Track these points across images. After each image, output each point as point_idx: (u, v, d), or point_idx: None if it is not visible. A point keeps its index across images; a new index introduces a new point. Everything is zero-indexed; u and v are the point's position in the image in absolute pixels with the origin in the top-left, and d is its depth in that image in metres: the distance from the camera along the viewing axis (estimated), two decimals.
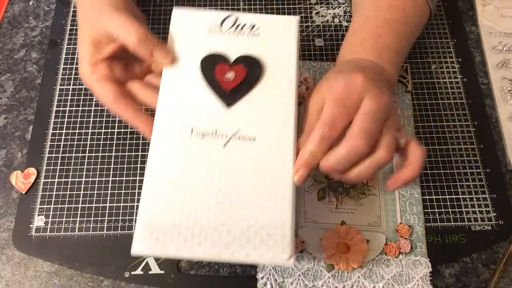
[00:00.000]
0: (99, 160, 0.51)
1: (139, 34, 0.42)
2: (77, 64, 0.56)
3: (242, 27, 0.44)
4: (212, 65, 0.42)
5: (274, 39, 0.44)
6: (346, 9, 0.61)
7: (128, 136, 0.52)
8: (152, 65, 0.45)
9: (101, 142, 0.52)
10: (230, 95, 0.41)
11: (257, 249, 0.36)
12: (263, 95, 0.41)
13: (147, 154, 0.43)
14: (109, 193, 0.50)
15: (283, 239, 0.36)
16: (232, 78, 0.42)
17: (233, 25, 0.44)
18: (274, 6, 0.61)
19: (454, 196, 0.50)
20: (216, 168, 0.39)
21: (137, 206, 0.49)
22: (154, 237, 0.36)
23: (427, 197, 0.50)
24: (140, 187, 0.50)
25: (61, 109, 0.54)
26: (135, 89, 0.45)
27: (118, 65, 0.45)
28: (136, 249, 0.36)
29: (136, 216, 0.47)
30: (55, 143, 0.52)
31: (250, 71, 0.42)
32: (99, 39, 0.43)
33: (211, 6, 0.61)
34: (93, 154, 0.51)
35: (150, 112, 0.42)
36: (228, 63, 0.42)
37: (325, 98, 0.41)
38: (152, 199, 0.38)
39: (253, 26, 0.44)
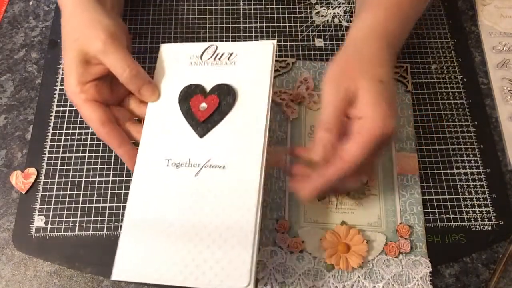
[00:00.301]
0: (99, 160, 0.51)
1: (132, 72, 0.44)
2: None
3: (220, 57, 0.46)
4: (188, 97, 0.45)
5: (249, 66, 0.45)
6: (346, 9, 0.61)
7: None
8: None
9: (101, 142, 0.52)
10: (203, 125, 0.43)
11: (218, 275, 0.38)
12: (234, 123, 0.43)
13: None
14: (109, 193, 0.50)
15: (243, 266, 0.38)
16: (205, 109, 0.44)
17: (212, 55, 0.47)
18: (274, 6, 0.61)
19: (454, 196, 0.50)
20: (188, 198, 0.41)
21: None
22: (131, 265, 0.40)
23: (427, 197, 0.50)
24: None
25: (61, 109, 0.54)
26: (122, 116, 0.46)
27: (104, 85, 0.46)
28: (115, 275, 0.40)
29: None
30: (55, 143, 0.52)
31: (223, 100, 0.44)
32: (88, 59, 0.44)
33: (211, 6, 0.61)
34: (93, 154, 0.51)
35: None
36: (203, 94, 0.45)
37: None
38: (131, 230, 0.41)
39: (231, 54, 0.46)
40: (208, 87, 0.45)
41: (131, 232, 0.41)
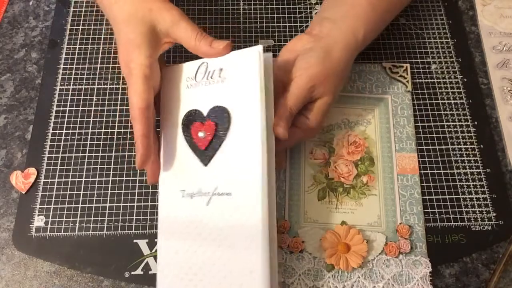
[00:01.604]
0: (99, 160, 0.51)
1: (202, 33, 0.44)
2: (77, 64, 0.56)
3: (212, 75, 0.45)
4: (189, 125, 0.44)
5: (238, 81, 0.43)
6: None
7: (128, 136, 0.52)
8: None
9: (101, 142, 0.52)
10: (206, 154, 0.43)
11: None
12: (232, 147, 0.42)
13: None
14: (109, 193, 0.50)
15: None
16: (204, 136, 0.43)
17: (204, 74, 0.45)
18: (274, 6, 0.61)
19: (454, 196, 0.50)
20: (203, 226, 0.42)
21: (137, 206, 0.49)
22: None
23: (427, 197, 0.50)
24: (140, 187, 0.50)
25: (61, 109, 0.54)
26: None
27: (158, 75, 0.45)
28: None
29: (135, 216, 0.49)
30: (55, 143, 0.52)
31: (219, 124, 0.43)
32: (158, 33, 0.44)
33: (211, 6, 0.61)
34: (93, 154, 0.51)
35: None
36: (202, 119, 0.44)
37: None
38: (164, 266, 0.43)
39: (221, 70, 0.44)
40: (204, 111, 0.44)
41: (164, 267, 0.42)
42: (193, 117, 0.44)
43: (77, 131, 0.53)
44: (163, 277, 0.42)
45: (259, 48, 0.43)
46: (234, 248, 0.40)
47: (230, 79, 0.44)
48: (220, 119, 0.43)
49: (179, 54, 0.57)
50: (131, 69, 0.43)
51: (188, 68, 0.46)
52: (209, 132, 0.43)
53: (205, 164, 0.43)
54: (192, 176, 0.43)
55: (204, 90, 0.45)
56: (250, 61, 0.43)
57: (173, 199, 0.44)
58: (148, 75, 0.42)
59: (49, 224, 0.48)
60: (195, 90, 0.45)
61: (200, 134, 0.43)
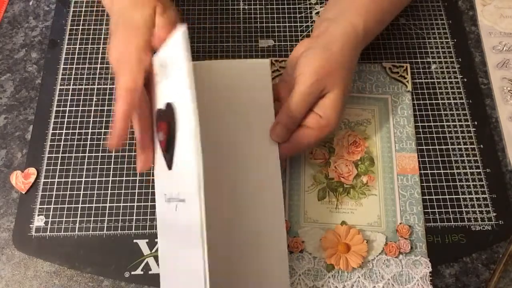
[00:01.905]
0: (99, 160, 0.51)
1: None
2: (77, 64, 0.56)
3: (165, 71, 0.40)
4: (156, 124, 0.43)
5: (174, 71, 0.39)
6: None
7: (128, 136, 0.52)
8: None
9: (101, 142, 0.52)
10: (167, 156, 0.40)
11: None
12: (179, 147, 0.38)
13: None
14: (109, 193, 0.50)
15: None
16: (162, 138, 0.41)
17: (159, 69, 0.41)
18: (274, 6, 0.61)
19: (454, 196, 0.50)
20: (177, 230, 0.40)
21: (137, 206, 0.49)
22: None
23: (427, 197, 0.50)
24: (140, 187, 0.50)
25: (61, 109, 0.54)
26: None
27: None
28: None
29: (135, 216, 0.49)
30: (55, 143, 0.52)
31: (171, 123, 0.39)
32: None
33: (211, 6, 0.61)
34: (93, 154, 0.51)
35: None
36: (160, 119, 0.41)
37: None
38: (165, 266, 0.43)
39: (165, 65, 0.40)
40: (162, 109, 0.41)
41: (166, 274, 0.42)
42: (157, 117, 0.42)
43: (77, 131, 0.53)
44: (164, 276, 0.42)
45: (182, 28, 0.36)
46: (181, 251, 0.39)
47: (170, 72, 0.39)
48: (170, 117, 0.38)
49: None
50: (127, 52, 0.41)
51: (154, 62, 0.42)
52: (164, 133, 0.39)
53: (169, 168, 0.39)
54: (165, 180, 0.41)
55: (160, 87, 0.41)
56: (176, 46, 0.37)
57: (161, 205, 0.44)
58: (143, 59, 0.41)
59: (49, 224, 0.48)
60: (158, 86, 0.42)
61: (160, 135, 0.40)
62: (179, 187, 0.38)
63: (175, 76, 0.37)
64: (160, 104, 0.41)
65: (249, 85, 0.43)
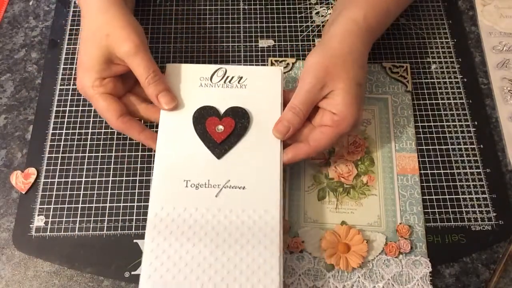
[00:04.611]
0: (99, 160, 0.51)
1: (155, 77, 0.45)
2: (77, 64, 0.56)
3: (230, 80, 0.47)
4: (203, 118, 0.46)
5: (260, 90, 0.47)
6: None
7: (129, 136, 0.52)
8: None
9: (101, 142, 0.52)
10: (220, 147, 0.44)
11: (249, 280, 0.40)
12: (250, 145, 0.45)
13: (147, 155, 0.44)
14: (109, 193, 0.50)
15: (272, 284, 0.40)
16: (222, 131, 0.45)
17: (222, 78, 0.48)
18: (274, 6, 0.61)
19: (454, 196, 0.50)
20: (210, 218, 0.42)
21: (137, 206, 0.49)
22: (158, 278, 0.40)
23: (427, 197, 0.50)
24: (140, 187, 0.50)
25: (61, 109, 0.54)
26: (133, 103, 0.47)
27: (119, 80, 0.47)
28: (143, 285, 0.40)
29: (135, 216, 0.48)
30: (55, 143, 0.52)
31: (238, 123, 0.45)
32: (113, 58, 0.45)
33: (211, 6, 0.61)
34: (93, 154, 0.51)
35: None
36: (218, 116, 0.46)
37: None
38: (152, 252, 0.41)
39: (241, 78, 0.48)
40: (221, 109, 0.46)
41: (153, 255, 0.41)
42: (207, 111, 0.46)
43: (77, 131, 0.53)
44: (147, 274, 0.41)
45: (281, 68, 0.49)
46: (247, 244, 0.41)
47: (251, 88, 0.47)
48: (239, 118, 0.45)
49: (179, 55, 0.57)
50: (86, 91, 0.46)
51: (203, 69, 0.48)
52: (228, 127, 0.45)
53: (218, 157, 0.44)
54: (201, 167, 0.44)
55: (220, 91, 0.47)
56: (274, 76, 0.48)
57: (173, 189, 0.43)
58: (103, 91, 0.45)
59: (49, 224, 0.48)
60: (210, 89, 0.47)
61: (219, 128, 0.45)
62: (234, 176, 0.43)
63: (258, 92, 0.47)
64: (210, 102, 0.46)
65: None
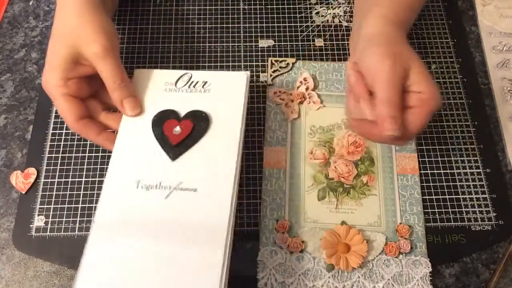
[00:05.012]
0: (99, 160, 0.51)
1: (122, 82, 0.45)
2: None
3: (195, 84, 0.48)
4: (162, 121, 0.46)
5: (223, 95, 0.47)
6: (346, 9, 0.61)
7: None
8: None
9: None
10: (176, 149, 0.44)
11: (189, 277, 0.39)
12: (207, 148, 0.44)
13: None
14: None
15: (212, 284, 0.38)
16: (179, 133, 0.45)
17: (187, 83, 0.48)
18: (274, 6, 0.61)
19: (454, 196, 0.50)
20: (158, 219, 0.41)
21: None
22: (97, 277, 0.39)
23: (427, 197, 0.50)
24: None
25: None
26: (95, 109, 0.47)
27: (84, 81, 0.46)
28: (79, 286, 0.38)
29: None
30: (55, 143, 0.52)
31: (197, 125, 0.45)
32: (79, 59, 0.45)
33: (211, 6, 0.61)
34: (93, 154, 0.51)
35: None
36: (177, 119, 0.46)
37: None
38: (96, 250, 0.40)
39: (205, 83, 0.48)
40: (182, 113, 0.46)
41: (96, 253, 0.40)
42: (167, 115, 0.46)
43: None
44: (87, 274, 0.39)
45: (247, 72, 0.49)
46: (193, 244, 0.40)
47: (215, 92, 0.47)
48: (198, 121, 0.45)
49: (179, 55, 0.57)
50: (49, 90, 0.45)
51: (168, 74, 0.49)
52: (185, 130, 0.45)
53: (173, 159, 0.44)
54: (153, 168, 0.43)
55: (184, 96, 0.47)
56: (238, 81, 0.48)
57: (124, 189, 0.43)
58: (65, 92, 0.44)
59: (49, 224, 0.48)
60: (174, 94, 0.47)
61: (176, 130, 0.45)
62: (187, 178, 0.43)
63: (222, 96, 0.47)
64: (172, 106, 0.46)
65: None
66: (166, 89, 0.48)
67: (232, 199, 0.42)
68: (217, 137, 0.45)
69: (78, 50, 0.44)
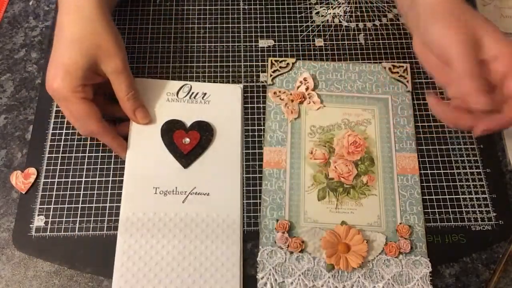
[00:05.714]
0: (99, 160, 0.51)
1: (134, 94, 0.48)
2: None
3: (195, 95, 0.53)
4: (170, 131, 0.50)
5: (222, 106, 0.53)
6: (346, 9, 0.61)
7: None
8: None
9: (101, 142, 0.52)
10: (187, 158, 0.49)
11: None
12: (214, 156, 0.50)
13: None
14: (109, 193, 0.50)
15: (233, 279, 0.45)
16: (188, 143, 0.50)
17: (187, 94, 0.53)
18: (274, 6, 0.61)
19: (454, 196, 0.50)
20: (177, 221, 0.47)
21: None
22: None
23: (427, 197, 0.50)
24: None
25: (61, 109, 0.54)
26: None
27: (95, 87, 0.48)
28: None
29: None
30: (55, 143, 0.52)
31: (203, 135, 0.50)
32: (96, 69, 0.46)
33: (211, 6, 0.61)
34: (93, 154, 0.51)
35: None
36: (184, 129, 0.51)
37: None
38: (124, 254, 0.46)
39: (205, 94, 0.53)
40: (187, 123, 0.51)
41: (125, 257, 0.45)
42: (174, 125, 0.51)
43: (77, 131, 0.52)
44: (120, 273, 0.45)
45: (240, 85, 0.54)
46: (212, 241, 0.46)
47: (215, 103, 0.53)
48: (204, 131, 0.50)
49: (179, 55, 0.57)
50: (61, 92, 0.45)
51: (169, 84, 0.53)
52: (193, 140, 0.50)
53: (185, 167, 0.49)
54: (168, 176, 0.49)
55: (186, 106, 0.52)
56: (234, 93, 0.54)
57: (143, 196, 0.48)
58: (84, 96, 0.46)
59: (49, 224, 0.48)
60: (177, 104, 0.52)
61: (185, 140, 0.50)
62: (200, 184, 0.49)
63: (221, 107, 0.52)
64: (177, 116, 0.51)
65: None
66: (168, 99, 0.52)
67: (241, 200, 0.48)
68: (221, 145, 0.50)
69: (97, 61, 0.46)
